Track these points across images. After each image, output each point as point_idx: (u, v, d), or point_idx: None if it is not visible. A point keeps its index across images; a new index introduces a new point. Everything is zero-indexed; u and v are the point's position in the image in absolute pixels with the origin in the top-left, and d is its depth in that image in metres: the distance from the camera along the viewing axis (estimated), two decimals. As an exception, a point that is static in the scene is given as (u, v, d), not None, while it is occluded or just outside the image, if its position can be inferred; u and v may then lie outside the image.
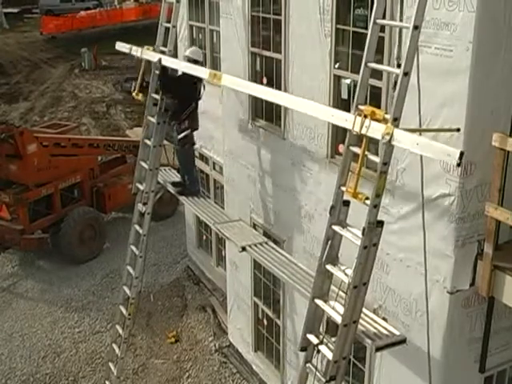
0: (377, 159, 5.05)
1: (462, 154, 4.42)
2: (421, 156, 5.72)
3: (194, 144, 9.55)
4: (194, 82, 8.99)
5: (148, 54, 8.87)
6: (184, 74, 8.91)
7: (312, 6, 7.00)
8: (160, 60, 8.59)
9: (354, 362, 7.36)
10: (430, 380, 6.11)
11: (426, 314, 6.03)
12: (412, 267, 6.18)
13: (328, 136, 7.13)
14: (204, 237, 13.14)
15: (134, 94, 9.26)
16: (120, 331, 9.43)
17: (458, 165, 4.47)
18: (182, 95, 8.97)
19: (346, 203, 5.42)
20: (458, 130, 5.18)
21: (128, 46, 9.39)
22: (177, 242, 14.79)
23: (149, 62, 8.94)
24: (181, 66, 8.58)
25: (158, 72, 8.71)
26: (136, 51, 9.10)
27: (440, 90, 5.49)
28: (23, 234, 13.27)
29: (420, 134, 5.23)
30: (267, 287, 9.34)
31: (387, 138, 4.85)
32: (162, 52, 8.84)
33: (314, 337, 5.70)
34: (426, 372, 6.28)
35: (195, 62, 8.83)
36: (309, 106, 6.09)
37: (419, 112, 5.46)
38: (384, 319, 6.52)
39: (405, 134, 4.83)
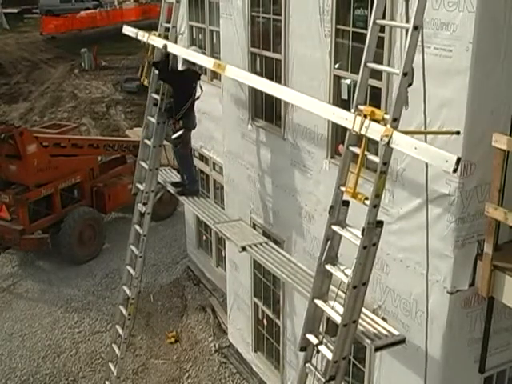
0: (376, 159, 5.05)
1: (458, 159, 4.42)
2: (426, 167, 5.75)
3: (188, 144, 9.52)
4: (191, 81, 8.99)
5: (154, 40, 8.86)
6: (184, 71, 8.93)
7: (312, 7, 7.00)
8: (165, 46, 8.58)
9: (354, 362, 7.36)
10: (425, 380, 6.13)
11: (426, 313, 6.04)
12: (412, 267, 6.18)
13: (328, 136, 7.13)
14: (204, 237, 13.13)
15: (141, 79, 9.24)
16: (120, 331, 9.44)
17: (455, 170, 4.47)
18: (179, 91, 8.94)
19: (346, 203, 5.42)
20: (458, 132, 5.16)
21: (134, 30, 9.41)
22: (176, 242, 14.79)
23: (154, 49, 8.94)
24: (185, 54, 8.56)
25: (160, 58, 8.73)
26: (142, 36, 9.09)
27: (439, 90, 5.49)
28: (23, 234, 13.27)
29: (425, 138, 5.25)
30: (267, 287, 9.34)
31: (386, 140, 4.85)
32: (166, 37, 8.85)
33: (314, 337, 5.70)
34: (427, 372, 6.29)
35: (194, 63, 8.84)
36: (310, 103, 6.10)
37: (424, 114, 5.44)
38: (383, 319, 6.52)
39: (403, 137, 4.82)
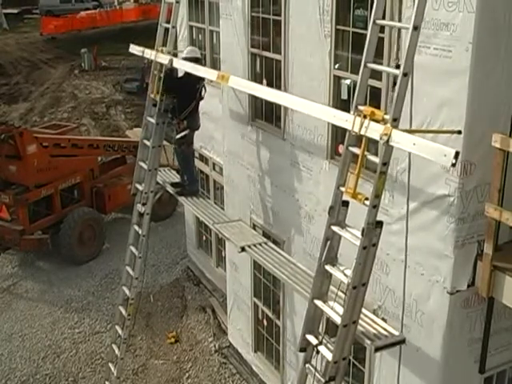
0: (376, 159, 5.05)
1: (457, 153, 4.42)
2: (409, 167, 5.76)
3: (192, 144, 9.53)
4: (195, 83, 9.00)
5: (161, 57, 8.82)
6: (186, 74, 8.92)
7: (312, 7, 7.00)
8: (171, 61, 8.58)
9: (354, 363, 7.35)
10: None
11: (402, 302, 6.04)
12: (412, 267, 6.17)
13: (328, 137, 7.14)
14: (204, 237, 13.13)
15: (153, 95, 9.09)
16: (120, 332, 9.43)
17: (453, 165, 4.47)
18: (183, 95, 8.97)
19: (345, 204, 5.42)
20: (460, 132, 5.16)
21: (140, 48, 9.37)
22: (176, 242, 14.78)
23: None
24: (191, 68, 8.56)
25: (163, 74, 8.72)
26: (149, 54, 9.06)
27: (439, 90, 5.49)
28: (23, 234, 13.27)
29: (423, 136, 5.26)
30: (267, 288, 9.34)
31: (385, 138, 4.86)
32: (175, 55, 8.83)
33: (314, 337, 5.70)
34: (426, 372, 6.29)
35: (196, 60, 8.85)
36: (311, 107, 6.13)
37: (410, 112, 5.49)
38: (383, 320, 6.52)
39: (402, 134, 4.83)
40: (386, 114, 5.03)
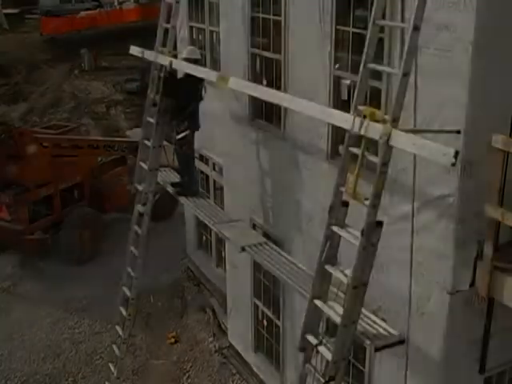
0: (376, 159, 5.06)
1: (456, 153, 4.42)
2: (414, 168, 5.76)
3: (192, 144, 9.53)
4: (196, 84, 9.00)
5: (161, 58, 8.83)
6: (186, 74, 8.92)
7: (312, 7, 7.00)
8: (171, 63, 8.58)
9: (354, 363, 7.35)
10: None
11: (408, 304, 6.03)
12: (412, 268, 6.16)
13: (328, 137, 7.14)
14: (204, 238, 13.13)
15: (152, 96, 9.08)
16: (120, 332, 9.43)
17: (453, 164, 4.47)
18: (183, 96, 8.98)
19: (345, 204, 5.42)
20: (459, 132, 5.16)
21: (141, 49, 9.37)
22: (176, 242, 14.76)
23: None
24: (191, 70, 8.56)
25: (163, 78, 8.71)
26: (149, 55, 9.05)
27: (439, 90, 5.49)
28: (23, 234, 13.26)
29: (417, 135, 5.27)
30: (267, 288, 9.34)
31: (385, 138, 4.86)
32: (175, 56, 8.83)
33: (313, 337, 5.70)
34: (426, 373, 6.29)
35: (195, 61, 8.85)
36: (311, 108, 6.13)
37: (414, 112, 5.48)
38: (383, 320, 6.52)
39: (402, 134, 4.84)
40: (385, 114, 5.03)
